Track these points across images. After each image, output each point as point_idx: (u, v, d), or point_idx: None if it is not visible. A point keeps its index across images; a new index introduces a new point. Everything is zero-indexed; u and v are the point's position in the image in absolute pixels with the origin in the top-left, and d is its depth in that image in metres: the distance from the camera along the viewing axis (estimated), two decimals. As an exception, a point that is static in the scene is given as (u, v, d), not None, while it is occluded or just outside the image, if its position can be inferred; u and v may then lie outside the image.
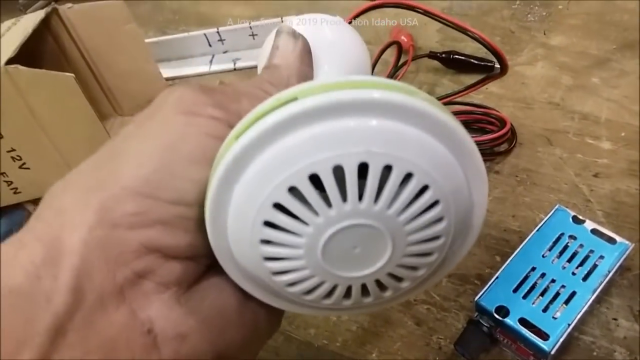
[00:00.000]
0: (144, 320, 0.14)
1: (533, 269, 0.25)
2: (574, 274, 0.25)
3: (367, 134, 0.13)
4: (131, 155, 0.15)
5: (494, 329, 0.25)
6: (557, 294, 0.24)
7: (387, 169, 0.13)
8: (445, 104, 0.36)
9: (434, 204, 0.13)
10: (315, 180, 0.13)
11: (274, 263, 0.14)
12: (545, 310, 0.24)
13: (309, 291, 0.14)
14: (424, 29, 0.44)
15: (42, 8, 0.43)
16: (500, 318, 0.24)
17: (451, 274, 0.29)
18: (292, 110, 0.12)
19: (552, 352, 0.23)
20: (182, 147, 0.14)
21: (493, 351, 0.25)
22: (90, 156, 0.15)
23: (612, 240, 0.26)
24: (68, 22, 0.39)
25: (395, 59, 0.40)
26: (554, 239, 0.26)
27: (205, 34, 0.46)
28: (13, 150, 0.34)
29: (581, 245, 0.26)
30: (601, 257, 0.25)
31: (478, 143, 0.33)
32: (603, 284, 0.25)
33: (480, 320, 0.25)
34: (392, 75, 0.38)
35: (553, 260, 0.26)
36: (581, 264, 0.25)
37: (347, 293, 0.15)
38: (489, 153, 0.34)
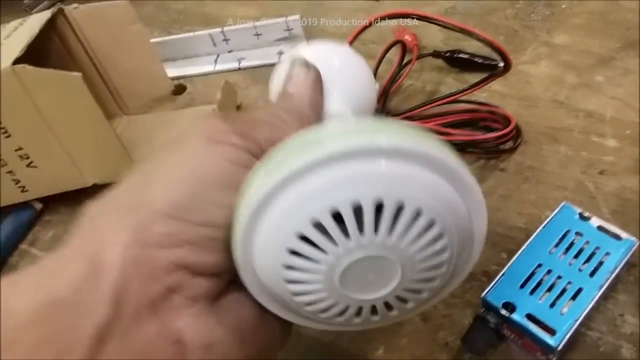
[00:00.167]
0: (173, 331, 0.15)
1: (539, 265, 0.26)
2: (580, 270, 0.25)
3: (382, 176, 0.14)
4: (162, 181, 0.16)
5: (501, 325, 0.25)
6: (564, 290, 0.24)
7: (400, 207, 0.14)
8: (449, 102, 0.36)
9: (439, 237, 0.15)
10: (335, 215, 0.14)
11: (295, 285, 0.16)
12: (552, 306, 0.24)
13: (324, 310, 0.16)
14: (428, 27, 0.43)
15: (47, 8, 0.43)
16: (507, 314, 0.24)
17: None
18: (317, 155, 0.14)
19: (559, 348, 0.23)
20: (208, 174, 0.16)
21: (500, 347, 0.26)
22: (124, 180, 0.17)
23: (618, 237, 0.26)
24: (74, 22, 0.39)
25: (400, 58, 0.40)
26: (560, 236, 0.27)
27: (210, 34, 0.47)
28: (20, 149, 0.35)
29: (587, 242, 0.26)
30: (607, 253, 0.26)
31: (483, 141, 0.33)
32: (609, 280, 0.25)
33: (487, 317, 0.25)
34: (396, 74, 0.38)
35: (559, 256, 0.26)
36: (587, 261, 0.25)
37: (358, 312, 0.17)
38: (495, 151, 0.34)
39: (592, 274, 0.25)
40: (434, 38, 0.42)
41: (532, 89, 0.38)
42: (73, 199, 0.37)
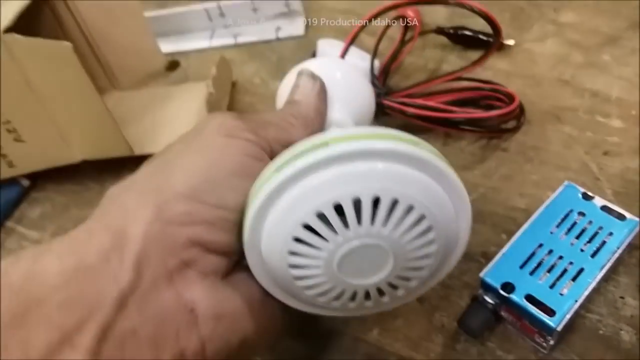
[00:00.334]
0: (187, 301, 0.17)
1: (540, 245, 0.25)
2: (582, 250, 0.24)
3: (380, 175, 0.16)
4: (182, 167, 0.18)
5: (499, 307, 0.24)
6: (565, 271, 0.24)
7: (395, 202, 0.16)
8: (451, 80, 0.35)
9: (428, 230, 0.17)
10: (337, 208, 0.16)
11: (297, 270, 0.17)
12: (552, 286, 0.23)
13: (322, 294, 0.18)
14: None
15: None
16: (506, 294, 0.23)
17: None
18: (324, 154, 0.16)
19: (558, 329, 0.22)
20: (224, 162, 0.18)
21: (497, 329, 0.25)
22: (144, 167, 0.19)
23: (622, 217, 0.25)
24: (65, -7, 0.38)
25: (401, 34, 0.39)
26: (562, 216, 0.26)
27: (205, 9, 0.45)
28: (8, 122, 0.34)
29: (590, 222, 0.25)
30: (610, 233, 0.25)
31: (486, 119, 0.32)
32: (611, 261, 0.24)
33: (485, 297, 0.24)
34: (397, 51, 0.37)
35: (561, 236, 0.25)
36: (590, 241, 0.25)
37: (353, 297, 0.18)
38: (497, 130, 0.33)
39: (594, 254, 0.24)
40: (438, 14, 0.41)
41: (538, 67, 0.37)
42: (61, 176, 0.37)
